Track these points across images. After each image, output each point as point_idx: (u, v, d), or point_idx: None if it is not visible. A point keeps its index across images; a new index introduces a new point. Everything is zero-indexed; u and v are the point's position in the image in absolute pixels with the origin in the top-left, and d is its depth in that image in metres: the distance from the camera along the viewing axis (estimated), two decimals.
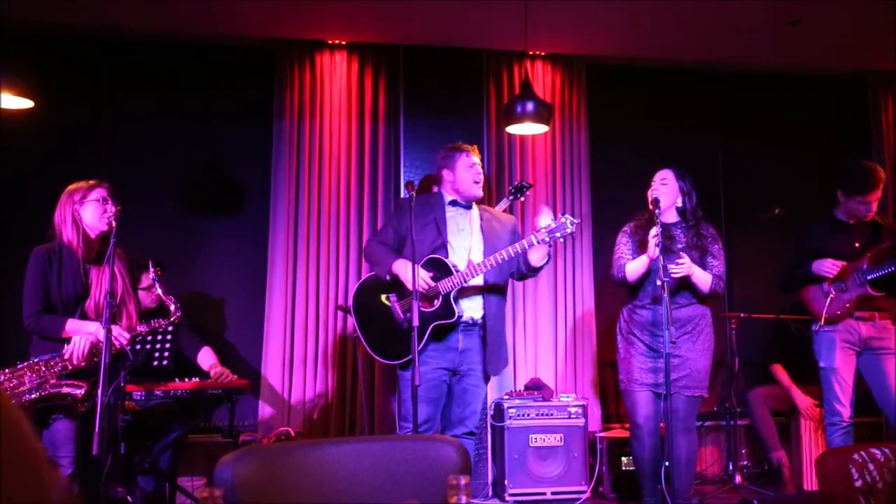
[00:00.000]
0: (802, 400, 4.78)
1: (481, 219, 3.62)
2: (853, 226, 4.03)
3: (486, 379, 3.55)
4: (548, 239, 3.32)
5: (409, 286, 3.23)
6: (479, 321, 3.48)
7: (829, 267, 3.92)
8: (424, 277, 3.32)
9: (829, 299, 3.90)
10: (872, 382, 3.96)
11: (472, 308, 3.47)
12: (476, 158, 3.62)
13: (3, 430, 0.79)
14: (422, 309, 3.30)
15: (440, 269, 3.39)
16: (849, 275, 3.91)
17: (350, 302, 3.64)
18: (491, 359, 3.50)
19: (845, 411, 3.88)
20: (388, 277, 3.45)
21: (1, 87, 3.84)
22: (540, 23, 4.68)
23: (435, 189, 3.81)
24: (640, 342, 3.69)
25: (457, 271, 3.37)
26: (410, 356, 3.14)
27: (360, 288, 3.64)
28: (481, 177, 3.61)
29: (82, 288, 3.29)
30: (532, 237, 3.34)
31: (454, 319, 3.35)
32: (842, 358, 3.91)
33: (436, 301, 3.36)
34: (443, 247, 3.46)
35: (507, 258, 3.36)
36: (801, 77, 5.70)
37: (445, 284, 3.35)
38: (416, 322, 3.11)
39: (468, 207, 3.63)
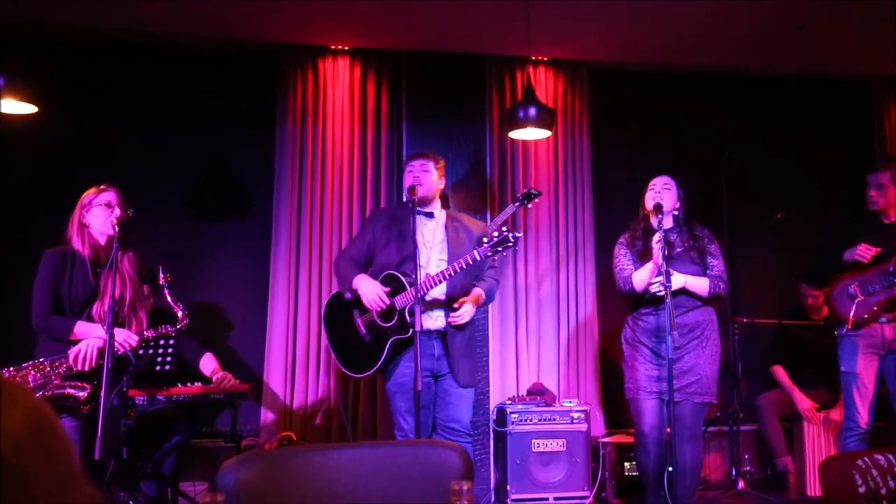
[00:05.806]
0: (803, 402, 4.76)
1: (447, 228, 3.58)
2: (886, 227, 3.91)
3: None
4: (490, 253, 3.25)
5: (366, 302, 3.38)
6: (443, 330, 3.46)
7: (862, 251, 3.78)
8: (379, 293, 3.36)
9: (855, 303, 3.79)
10: (894, 386, 3.88)
11: (436, 319, 3.45)
12: (416, 162, 3.61)
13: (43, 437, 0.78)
14: (380, 324, 3.39)
15: (396, 284, 3.40)
16: (875, 277, 3.80)
17: (322, 321, 3.72)
18: (455, 367, 3.45)
19: (862, 418, 3.82)
20: (348, 295, 3.52)
21: (6, 93, 3.86)
22: (543, 28, 4.68)
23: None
24: (647, 349, 3.69)
25: (410, 286, 3.34)
26: (376, 368, 3.39)
27: (327, 306, 3.71)
28: (413, 182, 3.53)
29: (91, 292, 3.31)
30: (475, 252, 3.28)
31: (409, 335, 3.32)
32: (864, 363, 3.83)
33: (393, 317, 3.39)
34: (405, 261, 3.41)
35: (458, 270, 3.32)
36: (805, 81, 5.69)
37: (399, 300, 3.37)
38: (418, 327, 3.12)
39: (429, 216, 3.59)
